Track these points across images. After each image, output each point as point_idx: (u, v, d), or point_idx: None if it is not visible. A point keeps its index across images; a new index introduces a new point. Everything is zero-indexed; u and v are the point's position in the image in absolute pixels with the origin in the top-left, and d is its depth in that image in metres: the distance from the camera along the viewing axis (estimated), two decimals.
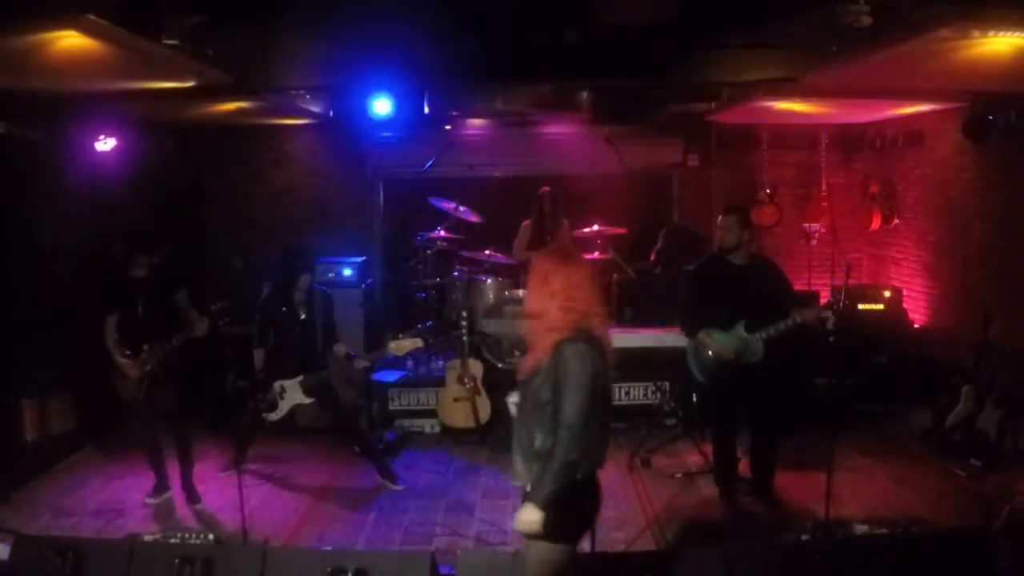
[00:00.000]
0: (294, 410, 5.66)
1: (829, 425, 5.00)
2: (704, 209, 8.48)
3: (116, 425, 6.26)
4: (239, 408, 5.99)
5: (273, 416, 5.58)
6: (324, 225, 8.56)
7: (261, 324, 5.63)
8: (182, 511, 5.29)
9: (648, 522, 5.05)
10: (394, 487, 5.68)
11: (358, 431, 6.09)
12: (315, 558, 3.79)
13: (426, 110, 6.65)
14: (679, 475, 5.82)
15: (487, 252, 7.61)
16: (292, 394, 5.55)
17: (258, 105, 6.74)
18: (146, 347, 5.06)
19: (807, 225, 8.52)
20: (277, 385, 5.54)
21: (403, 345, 5.44)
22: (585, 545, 4.41)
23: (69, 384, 6.27)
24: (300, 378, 5.52)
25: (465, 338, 6.64)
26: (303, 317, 5.56)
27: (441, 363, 7.21)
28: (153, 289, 5.17)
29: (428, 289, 7.85)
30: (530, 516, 2.92)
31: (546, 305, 3.05)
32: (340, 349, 5.67)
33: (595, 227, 7.60)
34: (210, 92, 5.79)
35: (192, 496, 5.38)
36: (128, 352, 5.10)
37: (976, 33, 3.96)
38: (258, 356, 5.64)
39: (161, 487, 5.40)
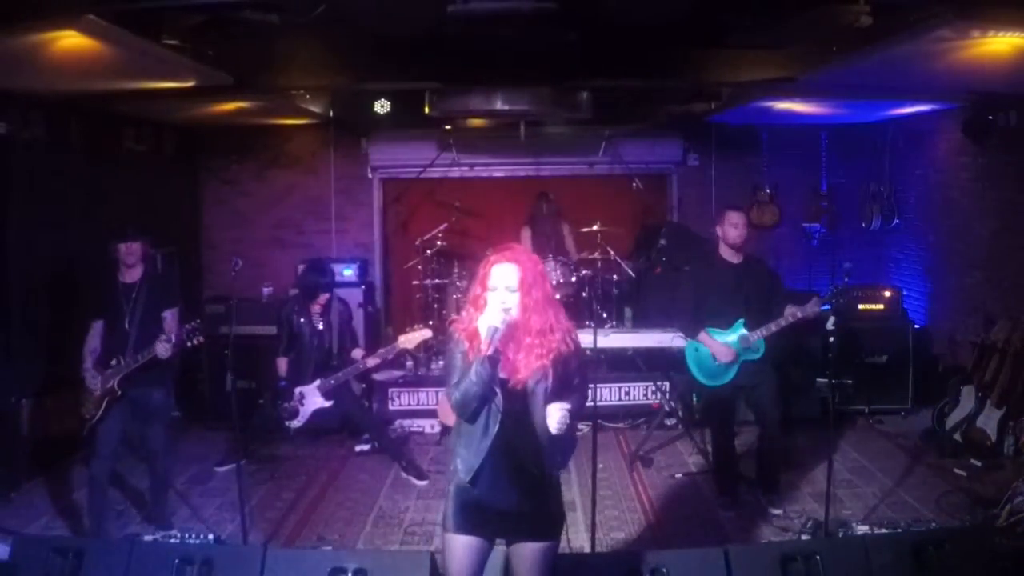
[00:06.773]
0: (316, 414, 5.80)
1: (829, 425, 5.00)
2: (704, 209, 8.47)
3: None
4: (241, 407, 6.01)
5: (296, 423, 5.77)
6: (324, 225, 8.56)
7: (282, 335, 5.91)
8: (182, 511, 5.27)
9: (648, 522, 5.05)
10: (419, 482, 5.75)
11: (378, 429, 6.16)
12: (315, 558, 3.78)
13: (426, 110, 6.65)
14: (679, 475, 5.82)
15: (487, 252, 7.58)
16: (312, 399, 5.73)
17: (258, 105, 6.74)
18: (114, 362, 4.61)
19: (807, 225, 8.51)
20: (297, 392, 5.75)
21: (412, 337, 5.47)
22: (585, 545, 4.45)
23: (69, 384, 6.26)
24: (318, 382, 5.72)
25: None
26: (320, 328, 5.82)
27: (441, 363, 7.21)
28: (140, 298, 4.67)
29: (428, 289, 7.84)
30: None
31: (555, 311, 2.99)
32: (358, 353, 5.87)
33: (595, 227, 7.59)
34: (210, 92, 5.80)
35: (161, 523, 4.84)
36: (91, 365, 4.69)
37: (976, 33, 3.97)
38: (281, 365, 5.89)
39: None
